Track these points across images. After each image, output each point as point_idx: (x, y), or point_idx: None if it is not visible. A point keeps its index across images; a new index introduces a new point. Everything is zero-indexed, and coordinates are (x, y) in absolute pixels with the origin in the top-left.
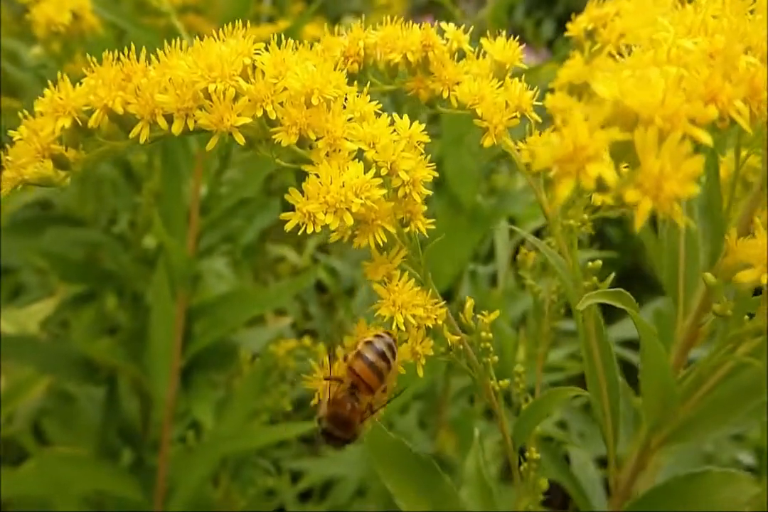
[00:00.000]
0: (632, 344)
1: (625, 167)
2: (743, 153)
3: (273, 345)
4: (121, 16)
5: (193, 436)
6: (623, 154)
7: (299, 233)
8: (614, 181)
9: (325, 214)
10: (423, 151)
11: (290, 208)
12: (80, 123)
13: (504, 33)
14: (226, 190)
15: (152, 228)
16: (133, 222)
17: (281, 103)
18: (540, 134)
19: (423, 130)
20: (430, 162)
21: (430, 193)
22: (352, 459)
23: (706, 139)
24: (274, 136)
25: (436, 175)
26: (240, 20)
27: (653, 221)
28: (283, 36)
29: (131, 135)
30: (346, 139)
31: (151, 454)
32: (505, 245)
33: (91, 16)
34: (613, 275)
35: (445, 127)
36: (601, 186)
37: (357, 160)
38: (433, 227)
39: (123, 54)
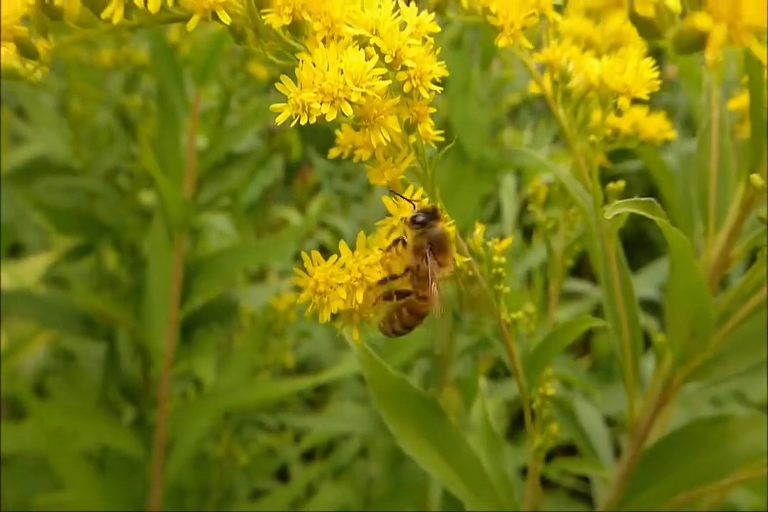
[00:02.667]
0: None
1: None
2: None
3: (274, 299)
4: None
5: (194, 392)
6: None
7: (291, 125)
8: (677, 7)
9: (321, 104)
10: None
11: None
12: (47, 0)
13: None
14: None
15: (149, 171)
16: (130, 172)
17: None
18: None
19: (433, 20)
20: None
21: (440, 90)
22: (356, 416)
23: None
24: (264, 17)
25: (446, 73)
26: None
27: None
28: None
29: (103, 15)
30: (345, 23)
31: (152, 411)
32: (512, 202)
33: None
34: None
35: (452, 75)
36: (663, 11)
37: (359, 48)
38: (441, 139)
39: None
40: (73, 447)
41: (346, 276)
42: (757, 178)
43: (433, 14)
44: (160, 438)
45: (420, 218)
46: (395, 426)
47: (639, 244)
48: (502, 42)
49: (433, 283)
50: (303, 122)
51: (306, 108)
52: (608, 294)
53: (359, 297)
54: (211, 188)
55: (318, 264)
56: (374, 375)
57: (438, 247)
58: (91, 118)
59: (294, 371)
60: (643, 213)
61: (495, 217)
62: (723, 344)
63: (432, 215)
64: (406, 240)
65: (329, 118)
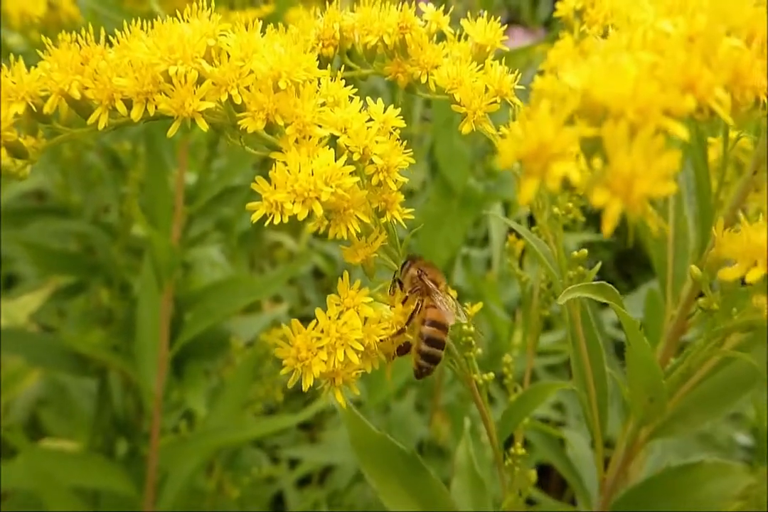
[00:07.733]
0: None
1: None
2: (733, 134)
3: (265, 334)
4: (101, 1)
5: (186, 426)
6: (595, 149)
7: (271, 223)
8: (581, 182)
9: (293, 204)
10: (399, 137)
11: None
12: (35, 109)
13: (485, 13)
14: (214, 177)
15: (136, 218)
16: (121, 212)
17: (247, 87)
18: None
19: (399, 115)
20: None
21: (406, 180)
22: (347, 446)
23: (681, 132)
24: (239, 122)
25: (413, 161)
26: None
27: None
28: (264, 20)
29: (89, 121)
30: (316, 125)
31: (145, 445)
32: (500, 229)
33: (69, 5)
34: (599, 265)
35: (435, 110)
36: (567, 186)
37: (328, 147)
38: (411, 217)
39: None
40: (63, 484)
41: (326, 338)
42: (695, 270)
43: (398, 109)
44: (152, 474)
45: (407, 262)
46: (377, 482)
47: (633, 259)
48: (465, 128)
49: (438, 292)
50: (276, 221)
51: (279, 207)
52: (576, 356)
53: (340, 356)
54: (202, 223)
55: (299, 333)
56: (357, 434)
57: (428, 270)
58: (81, 158)
59: (288, 397)
60: (595, 297)
61: (485, 239)
62: (685, 401)
63: (414, 256)
64: (401, 281)
65: (300, 218)
